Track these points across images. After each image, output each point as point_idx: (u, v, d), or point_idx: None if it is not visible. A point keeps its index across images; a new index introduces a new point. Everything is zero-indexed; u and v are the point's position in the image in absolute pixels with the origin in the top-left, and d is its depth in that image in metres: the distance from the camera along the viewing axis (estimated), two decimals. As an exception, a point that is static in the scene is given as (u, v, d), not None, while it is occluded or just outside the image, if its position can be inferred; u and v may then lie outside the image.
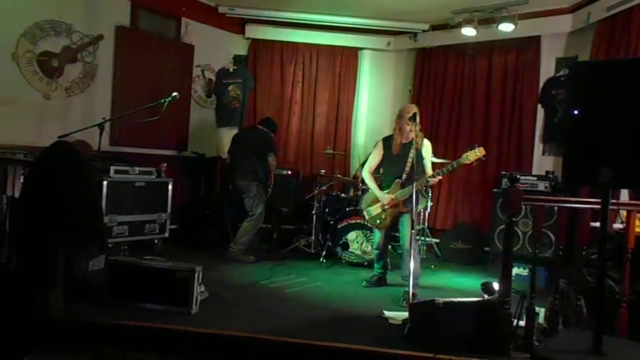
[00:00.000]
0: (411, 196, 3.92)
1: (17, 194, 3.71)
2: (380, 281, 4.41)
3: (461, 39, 5.97)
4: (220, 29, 6.53)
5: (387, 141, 4.24)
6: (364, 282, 4.41)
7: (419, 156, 4.02)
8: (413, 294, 3.61)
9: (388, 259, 4.67)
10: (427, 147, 4.17)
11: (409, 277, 3.75)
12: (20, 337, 2.86)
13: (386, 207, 4.15)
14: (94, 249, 3.52)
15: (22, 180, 3.99)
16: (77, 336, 2.93)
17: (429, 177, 3.99)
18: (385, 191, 4.18)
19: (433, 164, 4.33)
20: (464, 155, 3.92)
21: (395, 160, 4.15)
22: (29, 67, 4.84)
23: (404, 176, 4.10)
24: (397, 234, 4.52)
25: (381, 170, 4.41)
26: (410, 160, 4.03)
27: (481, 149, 3.89)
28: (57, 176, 3.21)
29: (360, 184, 5.52)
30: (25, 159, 4.19)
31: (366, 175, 4.31)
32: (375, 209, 4.22)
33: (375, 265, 4.46)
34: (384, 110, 6.81)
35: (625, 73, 2.15)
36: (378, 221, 4.22)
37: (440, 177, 4.01)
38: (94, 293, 3.39)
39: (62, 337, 2.91)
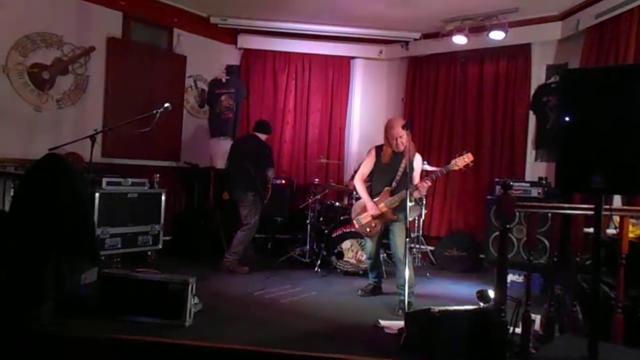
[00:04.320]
0: (401, 204, 4.00)
1: (7, 208, 3.67)
2: (376, 290, 4.39)
3: (452, 47, 6.00)
4: (213, 39, 6.54)
5: (380, 150, 4.26)
6: (360, 291, 4.39)
7: (410, 167, 4.03)
8: (408, 302, 3.60)
9: (383, 268, 4.66)
10: (417, 160, 4.21)
11: (404, 285, 3.75)
12: (11, 353, 2.81)
13: (376, 215, 4.15)
14: (85, 262, 3.49)
15: (12, 194, 3.96)
16: (69, 351, 2.88)
17: (417, 184, 4.00)
18: (375, 199, 4.19)
19: (426, 172, 4.34)
20: (452, 162, 3.96)
21: (386, 169, 4.18)
22: (20, 79, 4.82)
23: (394, 184, 4.12)
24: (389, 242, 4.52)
25: (371, 180, 4.43)
26: (401, 169, 4.07)
27: (469, 155, 3.94)
28: (48, 189, 3.18)
29: (354, 193, 5.51)
30: (15, 172, 4.16)
31: (358, 182, 4.33)
32: (365, 217, 4.23)
33: (370, 274, 4.46)
34: (377, 118, 6.80)
35: (615, 80, 2.17)
36: (368, 229, 4.23)
37: (429, 184, 4.04)
38: (87, 307, 3.35)
39: (54, 352, 2.86)
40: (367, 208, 4.20)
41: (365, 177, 4.36)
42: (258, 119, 5.58)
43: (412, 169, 4.06)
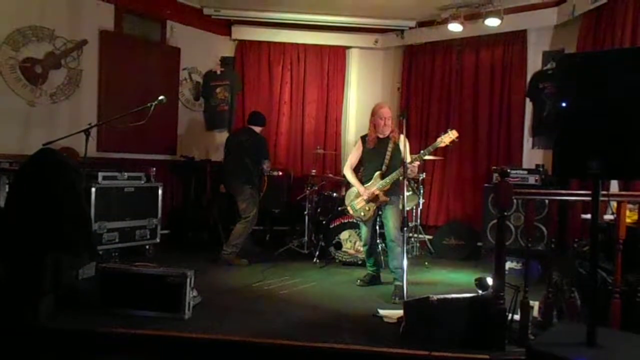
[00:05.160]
0: (393, 188, 4.09)
1: (2, 203, 3.65)
2: (374, 279, 4.40)
3: (448, 35, 5.98)
4: (206, 31, 6.49)
5: (364, 138, 4.36)
6: (358, 281, 4.40)
7: (397, 150, 4.15)
8: (402, 286, 3.64)
9: (381, 257, 4.66)
10: (403, 141, 4.19)
11: (397, 268, 3.89)
12: (10, 347, 2.81)
13: (367, 199, 4.20)
14: (83, 256, 3.48)
15: (7, 189, 3.94)
16: (68, 345, 2.88)
17: (407, 164, 3.98)
18: (367, 184, 4.24)
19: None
20: (439, 139, 4.04)
21: (373, 155, 4.25)
22: (12, 74, 4.77)
23: (384, 168, 4.19)
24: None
25: (362, 168, 4.46)
26: (388, 153, 4.16)
27: (454, 131, 4.02)
28: (43, 184, 3.16)
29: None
30: (10, 168, 4.13)
31: (346, 171, 4.42)
32: (358, 202, 4.28)
33: (367, 262, 4.47)
34: (373, 108, 6.79)
35: (612, 64, 2.15)
36: (362, 213, 4.26)
37: (418, 163, 4.13)
38: (85, 301, 3.35)
39: (53, 347, 2.86)
40: (360, 192, 4.24)
41: (354, 166, 4.43)
42: (252, 111, 5.52)
43: (399, 152, 4.13)
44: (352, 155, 4.47)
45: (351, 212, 4.38)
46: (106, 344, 2.90)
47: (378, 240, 4.61)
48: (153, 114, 4.24)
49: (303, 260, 5.27)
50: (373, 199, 4.18)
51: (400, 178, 3.96)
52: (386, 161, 4.18)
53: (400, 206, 4.03)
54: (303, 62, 6.84)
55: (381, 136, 4.23)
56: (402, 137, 4.17)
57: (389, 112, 4.20)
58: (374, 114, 4.24)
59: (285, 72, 6.83)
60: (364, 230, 4.35)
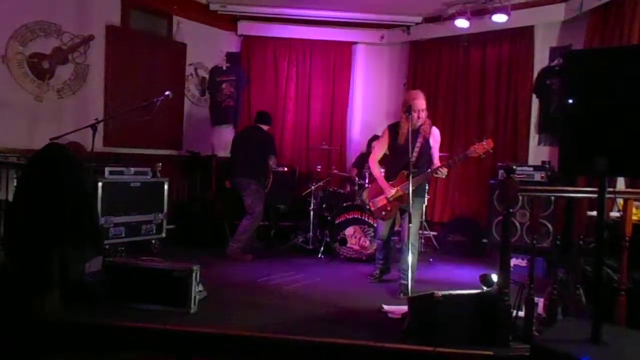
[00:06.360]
0: (417, 188, 3.78)
1: (10, 197, 3.69)
2: (384, 272, 4.36)
3: (454, 31, 5.95)
4: (212, 26, 6.49)
5: (393, 129, 4.04)
6: (370, 277, 4.35)
7: (427, 145, 3.93)
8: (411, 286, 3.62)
9: (391, 252, 4.60)
10: (435, 135, 4.01)
11: (406, 270, 3.76)
12: (18, 340, 2.84)
13: (391, 199, 4.02)
14: (90, 250, 3.50)
15: (15, 184, 3.97)
16: (75, 339, 2.91)
17: (435, 169, 3.84)
18: (390, 182, 4.04)
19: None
20: (472, 149, 3.73)
21: (402, 150, 3.89)
22: (20, 69, 4.80)
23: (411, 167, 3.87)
24: (398, 228, 4.51)
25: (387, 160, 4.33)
26: (417, 149, 3.87)
27: (489, 141, 3.71)
28: (50, 179, 3.19)
29: (357, 179, 5.50)
30: (18, 162, 4.16)
31: (373, 164, 4.18)
32: (380, 200, 4.07)
33: (378, 255, 4.41)
34: (379, 104, 6.80)
35: (619, 61, 2.14)
36: (384, 212, 4.09)
37: (446, 171, 3.84)
38: (92, 295, 3.37)
39: (60, 340, 2.89)
40: (384, 191, 4.03)
41: (380, 159, 4.21)
42: (258, 110, 5.54)
43: (429, 147, 3.94)
44: (379, 147, 4.18)
45: (373, 208, 4.18)
46: (112, 338, 2.93)
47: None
48: (159, 109, 4.26)
49: (308, 256, 5.28)
50: (397, 199, 3.98)
51: (421, 177, 3.81)
52: (413, 159, 3.84)
53: (415, 208, 3.75)
54: (309, 57, 6.84)
55: (414, 127, 3.85)
56: (433, 130, 3.94)
57: (424, 104, 3.83)
58: (407, 105, 3.86)
59: (290, 68, 6.83)
60: (382, 227, 4.23)
